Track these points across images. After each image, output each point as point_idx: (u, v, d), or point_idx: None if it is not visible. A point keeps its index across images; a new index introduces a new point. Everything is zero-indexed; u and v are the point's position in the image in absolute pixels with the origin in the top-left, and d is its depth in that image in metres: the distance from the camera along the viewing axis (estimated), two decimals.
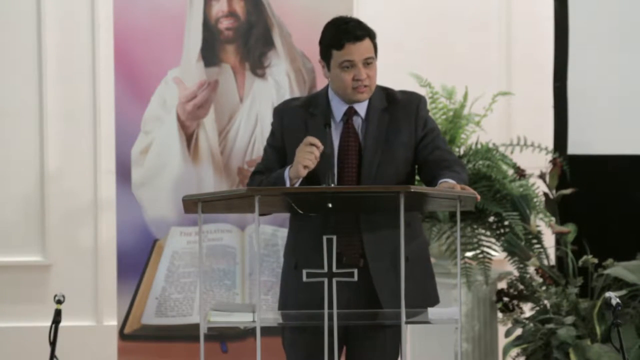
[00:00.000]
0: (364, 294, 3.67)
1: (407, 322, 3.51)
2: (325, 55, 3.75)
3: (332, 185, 3.63)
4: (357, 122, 3.77)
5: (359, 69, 3.70)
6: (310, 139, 3.65)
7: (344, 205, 3.53)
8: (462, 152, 5.13)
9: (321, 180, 3.69)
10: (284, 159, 3.79)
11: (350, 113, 3.78)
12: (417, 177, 3.88)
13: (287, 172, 3.68)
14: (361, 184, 3.70)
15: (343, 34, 3.71)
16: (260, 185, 3.76)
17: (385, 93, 3.84)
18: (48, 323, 3.79)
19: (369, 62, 3.72)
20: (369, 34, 3.74)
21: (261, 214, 3.62)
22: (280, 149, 3.82)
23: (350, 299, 3.62)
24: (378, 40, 3.77)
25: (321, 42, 3.77)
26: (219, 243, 5.14)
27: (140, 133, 5.13)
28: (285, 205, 3.62)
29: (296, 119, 3.81)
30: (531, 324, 4.97)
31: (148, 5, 5.12)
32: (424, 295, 3.76)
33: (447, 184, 3.56)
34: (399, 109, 3.81)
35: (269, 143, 3.89)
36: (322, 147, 3.63)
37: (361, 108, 3.78)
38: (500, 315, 5.17)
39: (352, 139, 3.76)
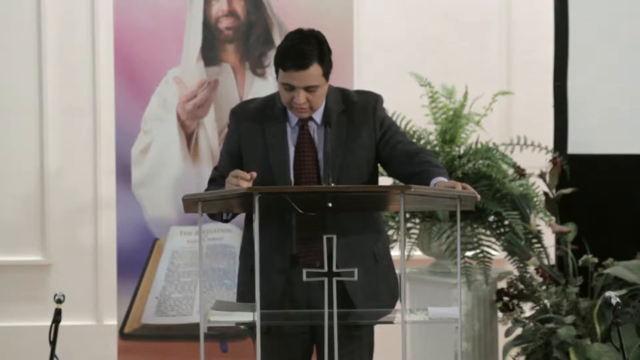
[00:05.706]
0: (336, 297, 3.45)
1: (379, 322, 3.59)
2: (275, 66, 3.68)
3: (332, 185, 3.63)
4: (313, 128, 3.73)
5: (298, 94, 3.62)
6: (237, 171, 3.55)
7: (338, 205, 3.48)
8: (462, 152, 5.13)
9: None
10: (239, 164, 3.73)
11: (306, 119, 3.73)
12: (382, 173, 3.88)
13: None
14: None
15: (288, 59, 3.61)
16: None
17: (342, 95, 3.78)
18: (48, 323, 3.79)
19: (311, 90, 3.63)
20: (320, 59, 3.62)
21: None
22: (235, 153, 3.78)
23: (320, 301, 3.44)
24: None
25: (276, 50, 3.70)
26: (219, 243, 5.14)
27: (140, 133, 5.13)
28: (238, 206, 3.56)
29: (253, 122, 3.76)
30: (531, 324, 4.96)
31: (148, 5, 5.12)
32: (393, 293, 3.78)
33: (445, 182, 3.53)
34: (357, 110, 3.76)
35: (225, 148, 3.84)
36: (249, 177, 3.52)
37: (317, 113, 3.73)
38: (500, 314, 5.17)
39: (307, 146, 3.71)
